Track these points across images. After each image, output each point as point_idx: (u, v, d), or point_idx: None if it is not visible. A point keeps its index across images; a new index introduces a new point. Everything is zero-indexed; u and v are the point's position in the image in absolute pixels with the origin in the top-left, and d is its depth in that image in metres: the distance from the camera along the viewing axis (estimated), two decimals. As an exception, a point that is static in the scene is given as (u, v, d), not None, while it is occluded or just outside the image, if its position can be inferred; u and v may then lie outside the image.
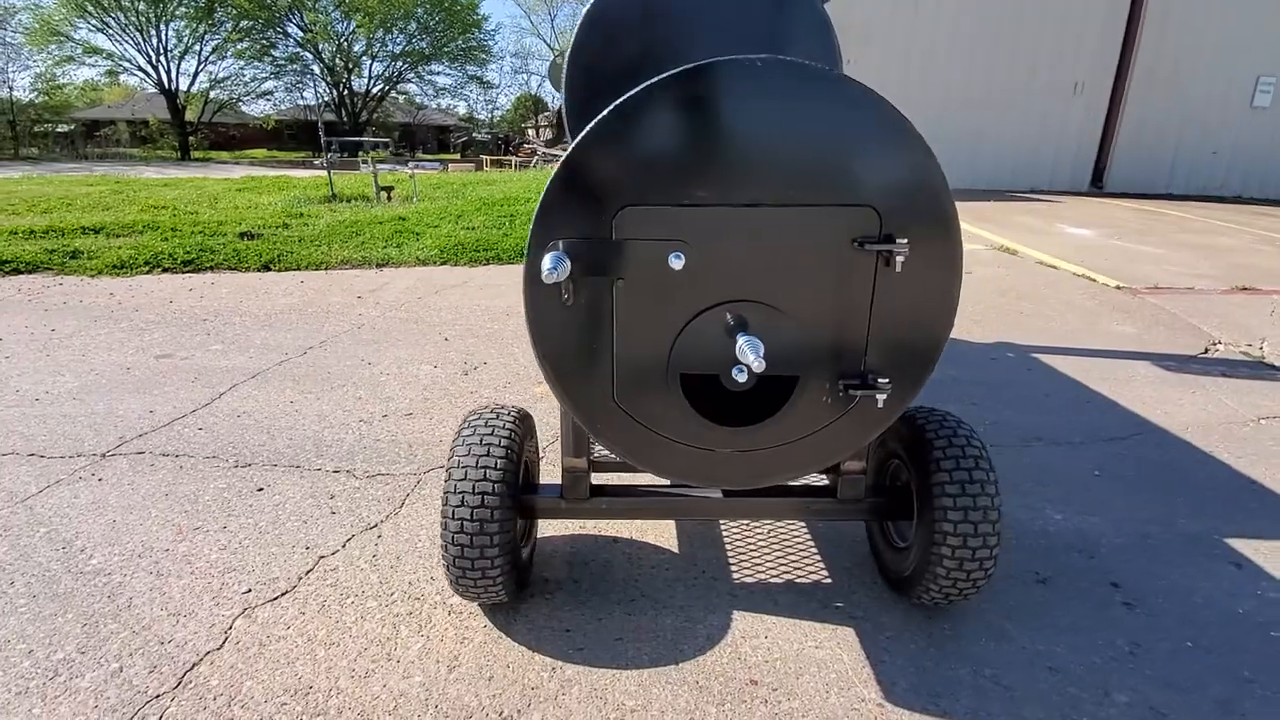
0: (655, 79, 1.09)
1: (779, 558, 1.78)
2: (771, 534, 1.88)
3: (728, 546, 1.83)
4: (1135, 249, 6.35)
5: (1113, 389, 2.99)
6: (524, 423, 1.58)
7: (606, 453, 1.78)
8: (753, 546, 1.83)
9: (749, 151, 1.11)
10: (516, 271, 5.06)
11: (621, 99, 1.09)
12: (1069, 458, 2.36)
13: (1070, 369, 3.24)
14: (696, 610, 1.58)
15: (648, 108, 1.09)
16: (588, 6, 1.79)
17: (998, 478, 1.42)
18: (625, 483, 1.92)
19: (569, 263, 1.09)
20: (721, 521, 1.91)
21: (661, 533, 1.87)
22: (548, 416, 2.50)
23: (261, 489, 2.06)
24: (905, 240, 1.12)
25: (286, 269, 5.09)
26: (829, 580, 1.69)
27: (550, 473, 2.14)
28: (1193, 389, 3.01)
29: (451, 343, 3.47)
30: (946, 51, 10.46)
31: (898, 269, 1.15)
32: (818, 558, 1.78)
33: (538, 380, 2.99)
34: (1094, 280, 5.04)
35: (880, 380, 1.20)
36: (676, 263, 1.12)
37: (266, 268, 5.08)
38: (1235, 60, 10.44)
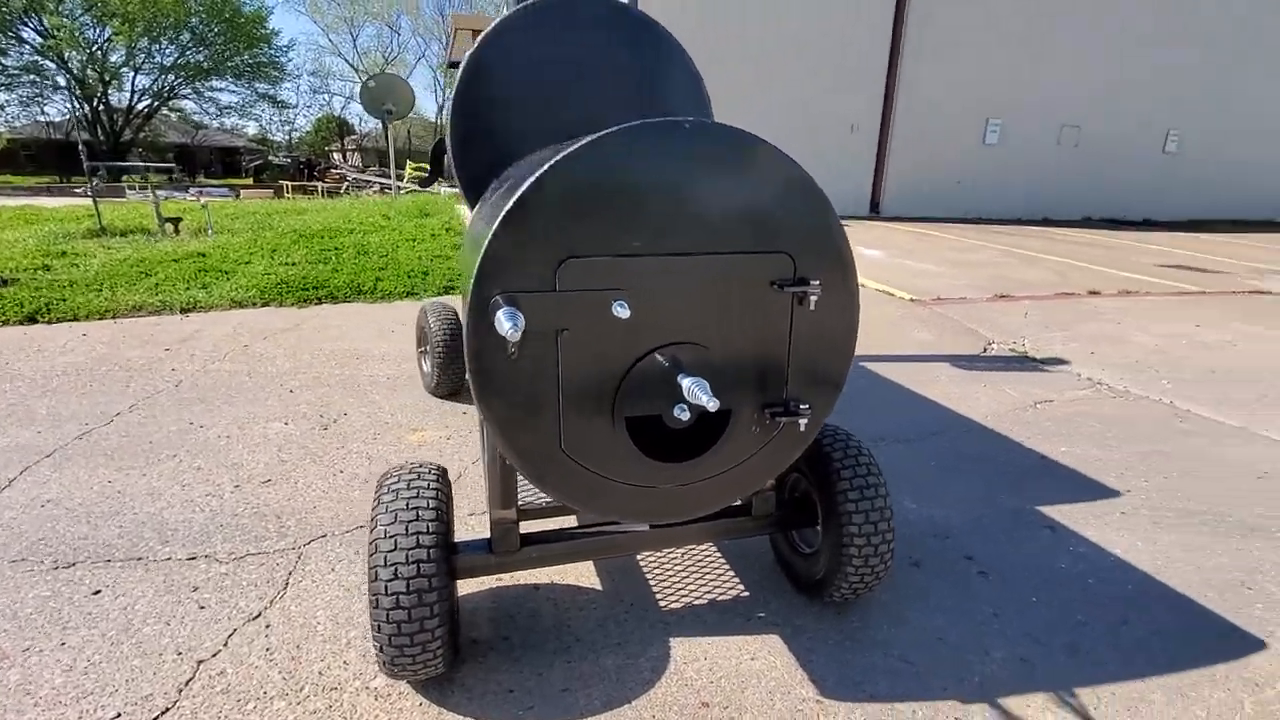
0: (592, 137, 1.12)
1: (696, 579, 1.86)
2: (685, 557, 1.96)
3: (647, 575, 1.87)
4: (916, 266, 7.48)
5: (925, 389, 3.51)
6: (445, 479, 1.51)
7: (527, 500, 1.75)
8: (670, 572, 1.89)
9: (681, 204, 1.18)
10: (357, 311, 4.74)
11: (560, 156, 1.11)
12: (909, 453, 2.73)
13: (891, 374, 3.74)
14: (633, 644, 1.60)
15: (587, 164, 1.12)
16: (471, 50, 1.77)
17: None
18: (544, 527, 1.89)
19: (523, 318, 1.09)
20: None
21: (581, 572, 1.87)
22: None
23: (99, 591, 1.72)
24: (817, 281, 1.27)
25: (60, 319, 4.27)
26: (746, 594, 1.80)
27: (465, 526, 2.04)
28: (983, 383, 3.62)
29: (298, 394, 3.15)
30: (732, 99, 11.59)
31: (811, 306, 1.29)
32: (730, 574, 1.89)
33: (412, 428, 2.82)
34: (892, 294, 5.85)
35: (802, 406, 1.32)
36: (622, 311, 1.16)
37: (32, 319, 4.22)
38: (971, 105, 12.76)
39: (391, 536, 1.31)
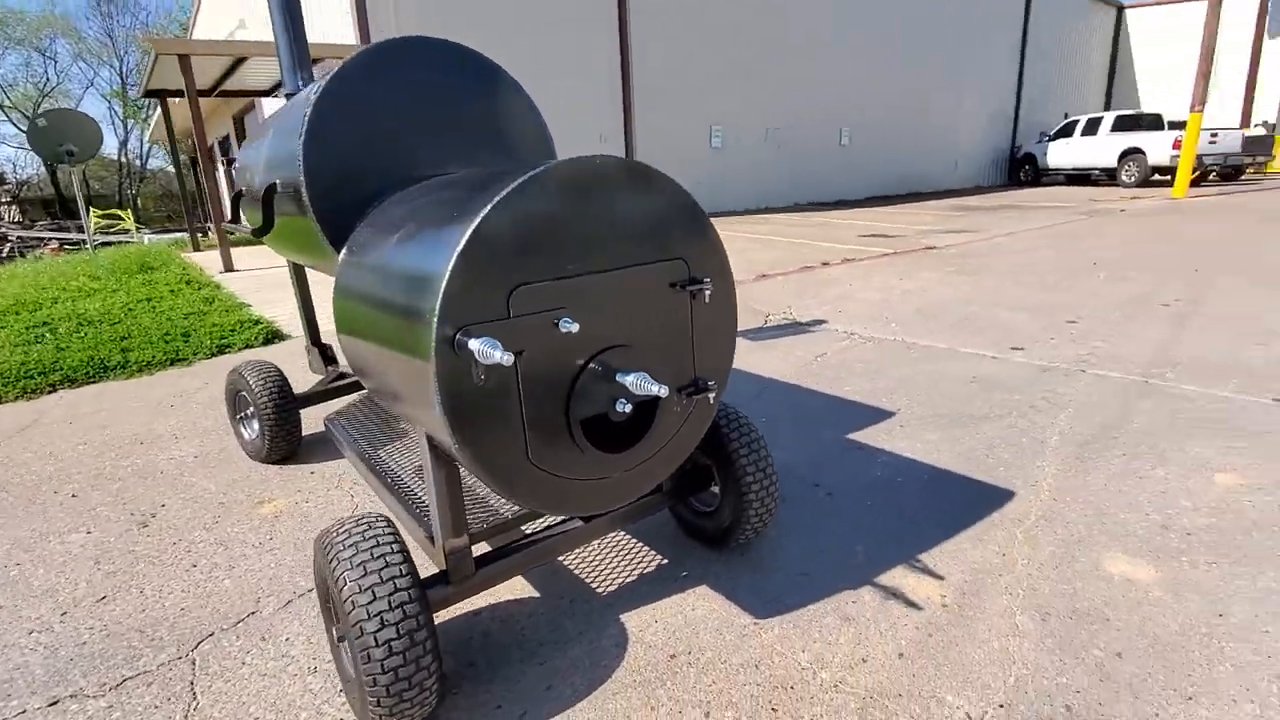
0: (527, 175, 1.26)
1: (618, 563, 2.05)
2: (600, 547, 2.13)
3: (574, 573, 2.01)
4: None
5: (736, 360, 4.06)
6: (391, 524, 1.50)
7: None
8: (592, 564, 2.05)
9: (600, 228, 1.37)
10: (111, 391, 3.98)
11: (505, 192, 1.23)
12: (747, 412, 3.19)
13: (702, 355, 4.25)
14: (591, 631, 1.74)
15: (528, 198, 1.26)
16: (318, 94, 1.74)
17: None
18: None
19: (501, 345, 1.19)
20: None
21: (513, 588, 1.94)
22: (307, 528, 2.22)
23: (-63, 779, 1.37)
24: (707, 278, 1.54)
25: None
26: (665, 561, 2.04)
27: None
28: (773, 350, 4.30)
29: (85, 496, 2.65)
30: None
31: (705, 300, 1.56)
32: (645, 550, 2.11)
33: (257, 502, 2.56)
34: (675, 287, 6.50)
35: (709, 383, 1.59)
36: (570, 326, 1.31)
37: None
38: (698, 114, 14.41)
39: (368, 588, 1.30)
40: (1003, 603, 1.78)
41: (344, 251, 1.76)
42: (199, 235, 11.47)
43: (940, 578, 1.90)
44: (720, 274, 1.59)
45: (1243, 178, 18.99)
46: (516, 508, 1.80)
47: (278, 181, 1.99)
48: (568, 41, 12.51)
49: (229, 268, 8.50)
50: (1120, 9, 26.45)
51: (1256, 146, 17.91)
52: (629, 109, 13.49)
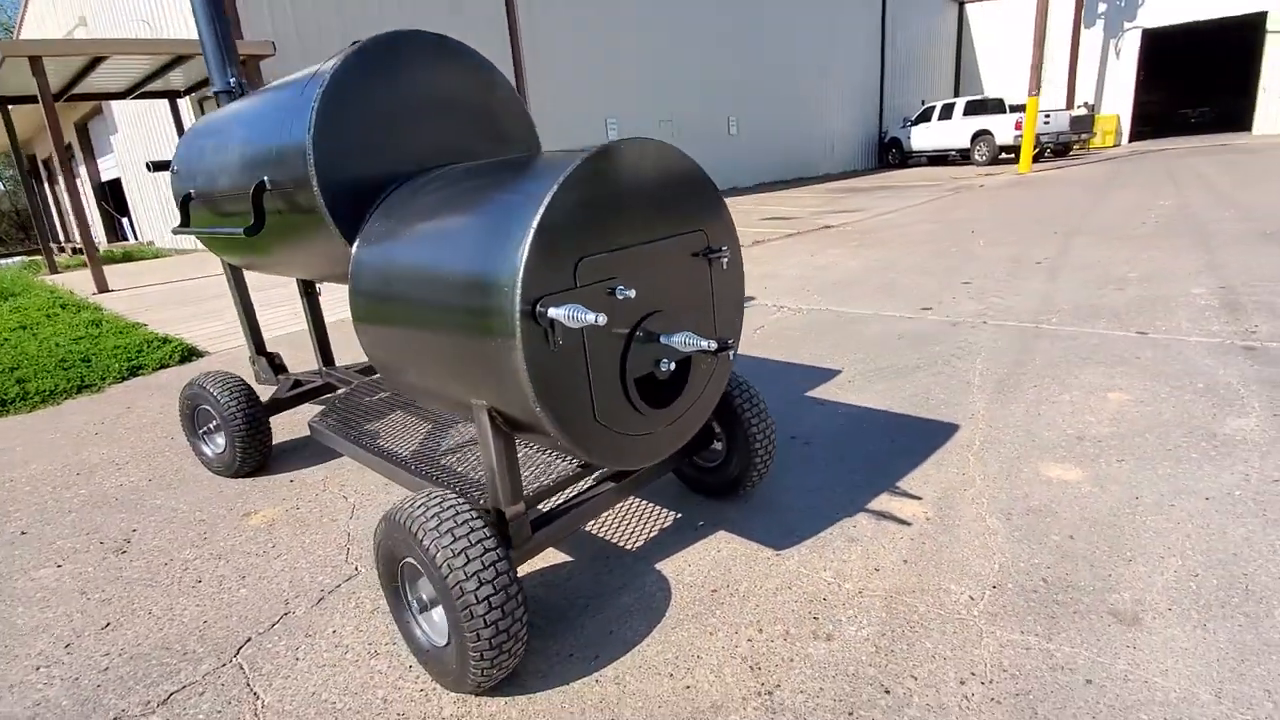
0: (590, 152, 1.37)
1: (638, 524, 2.19)
2: (617, 512, 2.27)
3: (601, 537, 2.14)
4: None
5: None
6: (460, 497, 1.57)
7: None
8: (615, 528, 2.18)
9: (643, 203, 1.51)
10: (15, 427, 3.59)
11: (566, 174, 1.34)
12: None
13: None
14: (634, 581, 1.89)
15: (587, 178, 1.38)
16: (323, 88, 1.74)
17: (758, 390, 2.18)
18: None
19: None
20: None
21: (546, 558, 2.04)
22: (311, 531, 2.20)
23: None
24: (724, 247, 1.72)
25: None
26: (679, 515, 2.21)
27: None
28: (714, 326, 4.55)
29: (40, 530, 2.45)
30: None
31: (723, 267, 1.74)
32: (655, 508, 2.27)
33: (242, 514, 2.47)
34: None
35: (730, 342, 1.77)
36: (628, 293, 1.45)
37: None
38: (594, 107, 14.56)
39: (461, 552, 1.38)
40: (973, 510, 2.09)
41: (360, 244, 1.78)
42: (54, 254, 10.27)
43: (918, 498, 2.19)
44: (732, 243, 1.77)
45: (1071, 153, 21.56)
46: (557, 475, 1.90)
47: (266, 179, 1.96)
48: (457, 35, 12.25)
49: (103, 288, 7.73)
50: (961, 4, 29.15)
51: (1081, 125, 20.43)
52: (526, 98, 13.44)
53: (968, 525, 2.02)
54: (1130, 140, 26.36)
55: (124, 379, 4.31)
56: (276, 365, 3.27)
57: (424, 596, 1.56)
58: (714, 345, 1.52)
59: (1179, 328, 3.67)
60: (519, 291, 1.30)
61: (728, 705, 1.45)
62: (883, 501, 2.19)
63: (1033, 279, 5.07)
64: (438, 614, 1.56)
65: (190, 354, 4.68)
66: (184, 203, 2.55)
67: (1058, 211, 8.57)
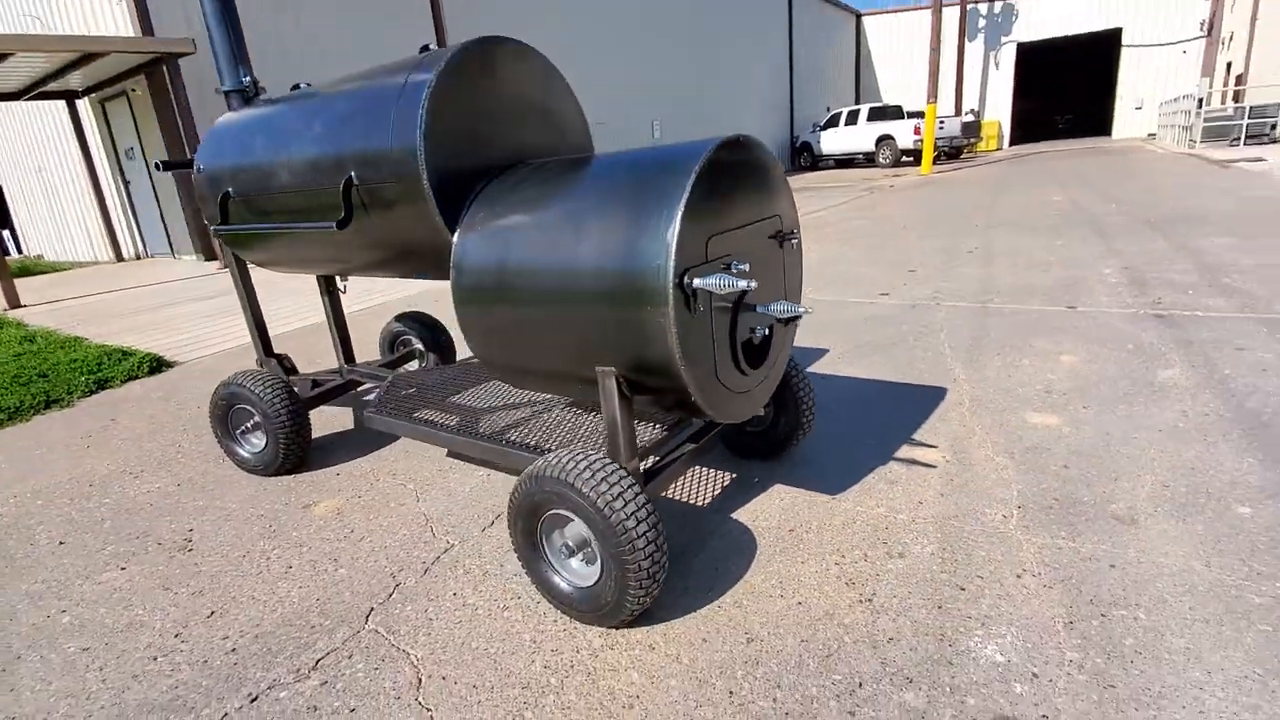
0: (715, 144, 1.60)
1: (699, 488, 2.42)
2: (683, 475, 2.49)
3: (675, 496, 2.35)
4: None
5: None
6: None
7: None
8: (679, 493, 2.41)
9: (746, 190, 1.75)
10: (3, 440, 3.39)
11: (702, 162, 1.56)
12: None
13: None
14: (717, 530, 2.12)
15: (716, 166, 1.60)
16: (429, 91, 1.87)
17: (798, 359, 2.47)
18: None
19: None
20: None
21: (626, 515, 2.24)
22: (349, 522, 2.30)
23: (215, 765, 1.38)
24: (795, 231, 1.99)
25: None
26: (733, 475, 2.46)
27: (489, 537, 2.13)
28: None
29: (78, 540, 2.39)
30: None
31: (793, 248, 2.01)
32: (711, 472, 2.51)
33: (303, 506, 2.51)
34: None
35: (800, 309, 2.04)
36: (743, 267, 1.68)
37: None
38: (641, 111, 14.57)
39: (619, 496, 1.57)
40: (981, 453, 2.47)
41: (463, 233, 1.92)
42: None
43: (934, 446, 2.55)
44: (797, 228, 2.04)
45: (962, 156, 23.48)
46: (647, 439, 2.11)
47: (354, 175, 2.06)
48: (389, 37, 12.00)
49: (14, 303, 7.12)
50: (858, 16, 31.06)
51: (970, 130, 22.34)
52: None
53: (981, 464, 2.39)
54: (1011, 144, 28.92)
55: (92, 393, 4.09)
56: (287, 367, 3.27)
57: (569, 543, 1.73)
58: (806, 311, 1.78)
59: (1100, 302, 4.28)
60: (672, 264, 1.51)
61: (837, 612, 1.71)
62: (906, 450, 2.53)
63: (968, 265, 5.68)
64: (577, 560, 1.74)
65: (159, 365, 4.48)
66: (223, 200, 2.56)
67: (968, 207, 9.46)
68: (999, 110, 28.95)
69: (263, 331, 3.24)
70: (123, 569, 2.22)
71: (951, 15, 25.75)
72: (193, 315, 6.09)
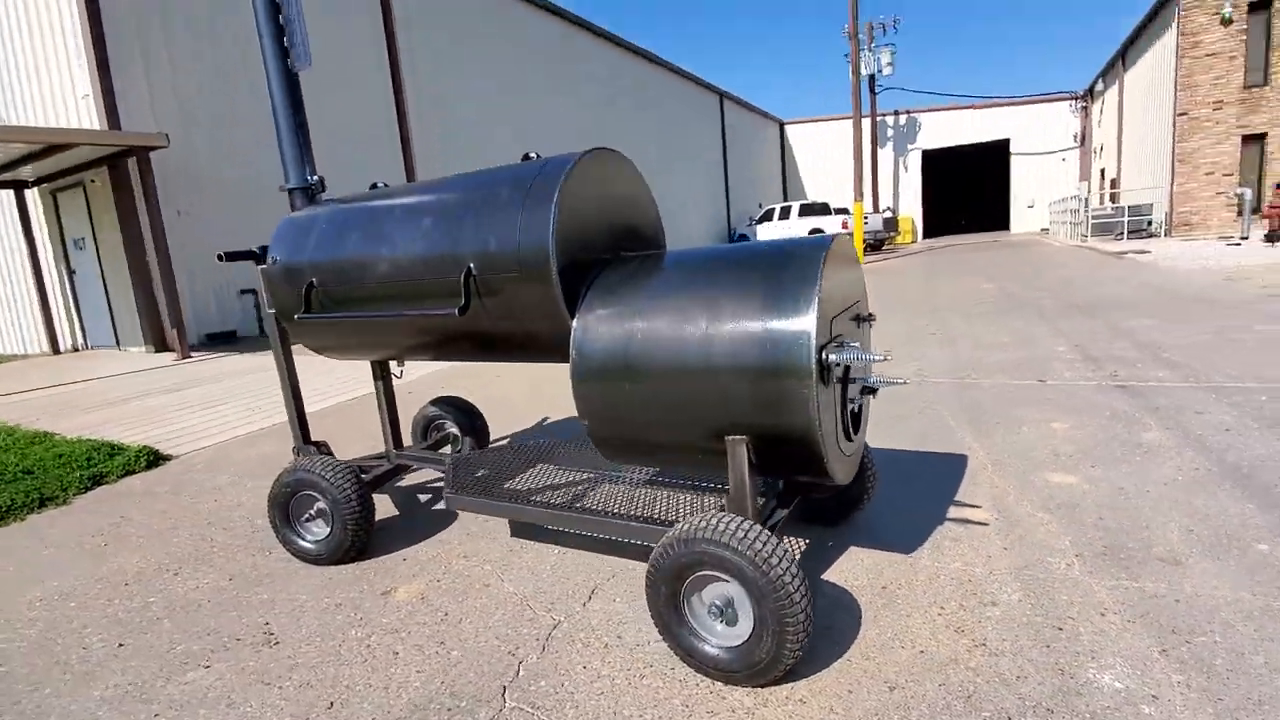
0: (831, 239, 1.87)
1: (775, 550, 2.55)
2: (749, 545, 2.61)
3: (752, 563, 2.47)
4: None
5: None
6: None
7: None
8: (757, 555, 2.53)
9: (845, 277, 2.02)
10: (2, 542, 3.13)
11: (826, 253, 1.82)
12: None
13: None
14: (816, 588, 2.25)
15: (831, 257, 1.87)
16: (559, 194, 2.09)
17: (856, 429, 2.71)
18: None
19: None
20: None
21: (721, 582, 2.33)
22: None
23: None
24: (872, 314, 2.26)
25: None
26: (806, 540, 2.61)
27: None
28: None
29: (136, 642, 2.27)
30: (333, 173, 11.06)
31: (869, 328, 2.28)
32: (786, 537, 2.65)
33: (381, 591, 2.48)
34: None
35: (899, 379, 2.29)
36: (854, 344, 1.92)
37: None
38: (465, 161, 15.07)
39: (772, 553, 1.71)
40: (1024, 510, 2.72)
41: (583, 317, 2.10)
42: None
43: (978, 506, 2.79)
44: (869, 311, 2.33)
45: (884, 248, 25.54)
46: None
47: (472, 265, 2.22)
48: (352, 109, 12.37)
49: (-47, 400, 6.60)
50: (781, 124, 34.11)
51: (890, 225, 24.50)
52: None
53: (1025, 520, 2.64)
54: (924, 237, 31.72)
55: (88, 489, 3.87)
56: (327, 454, 3.25)
57: (716, 603, 1.83)
58: (904, 381, 2.03)
59: (1065, 376, 4.79)
60: (814, 343, 1.73)
61: (959, 657, 1.86)
62: (955, 511, 2.76)
63: (934, 346, 6.21)
64: (719, 622, 1.83)
65: (156, 459, 4.29)
66: (307, 291, 2.65)
67: (910, 295, 10.31)
68: (911, 208, 31.86)
69: (303, 419, 3.24)
70: (207, 667, 2.12)
71: (865, 124, 28.64)
72: (168, 407, 5.85)
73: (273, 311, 3.01)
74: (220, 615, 2.42)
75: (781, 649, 1.70)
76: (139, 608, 2.52)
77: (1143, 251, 14.30)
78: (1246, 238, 14.58)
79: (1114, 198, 23.38)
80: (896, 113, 31.56)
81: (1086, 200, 20.83)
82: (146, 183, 8.39)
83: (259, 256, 3.05)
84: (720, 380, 1.86)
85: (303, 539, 2.77)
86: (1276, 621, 1.89)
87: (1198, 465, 3.02)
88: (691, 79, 26.84)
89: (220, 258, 3.02)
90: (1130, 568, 2.24)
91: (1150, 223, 19.23)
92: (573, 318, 2.13)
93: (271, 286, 2.83)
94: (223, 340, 10.19)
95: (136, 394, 6.51)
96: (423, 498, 3.44)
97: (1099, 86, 27.53)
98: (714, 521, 1.79)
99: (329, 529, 2.71)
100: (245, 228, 10.75)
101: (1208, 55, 17.50)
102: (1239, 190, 15.06)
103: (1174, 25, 17.96)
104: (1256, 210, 16.83)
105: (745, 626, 1.78)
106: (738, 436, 1.90)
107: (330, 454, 3.26)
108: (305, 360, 8.12)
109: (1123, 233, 18.95)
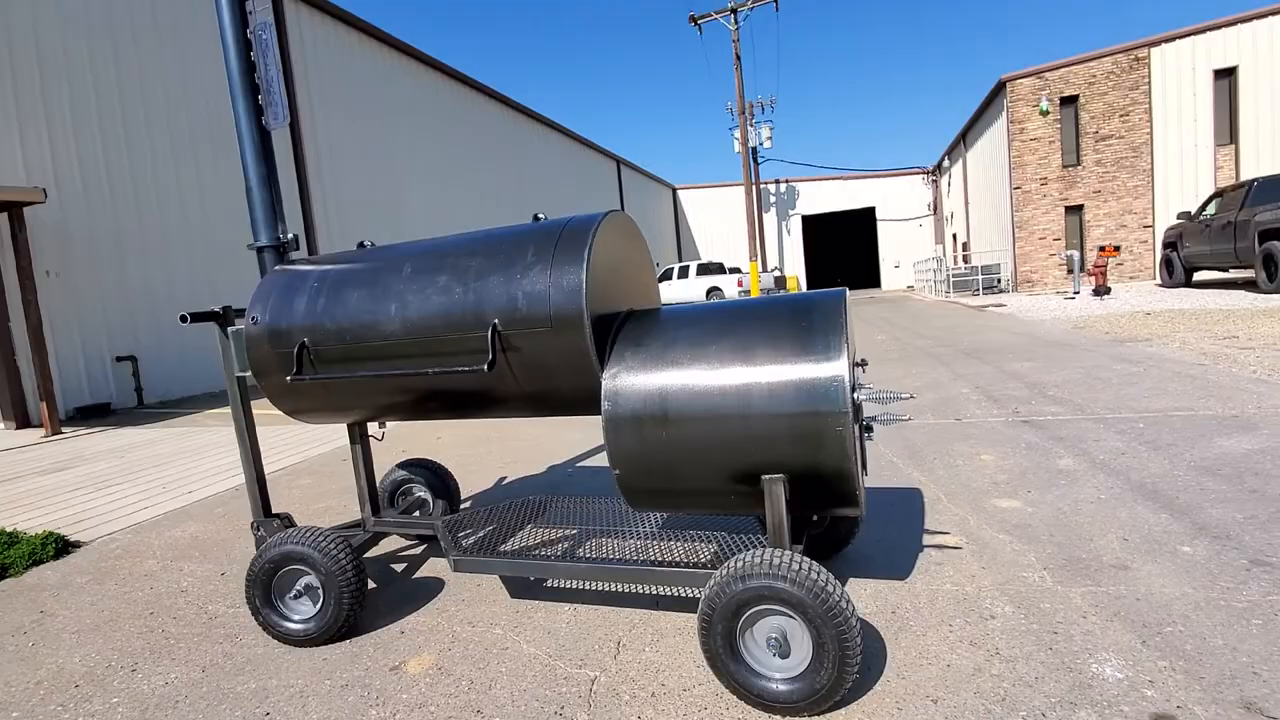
0: (842, 294, 2.09)
1: (781, 587, 2.67)
2: (755, 585, 2.71)
3: (764, 601, 2.57)
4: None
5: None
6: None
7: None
8: (766, 594, 2.63)
9: (848, 327, 2.25)
10: None
11: (845, 302, 2.04)
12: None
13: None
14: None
15: (846, 311, 2.09)
16: (589, 251, 2.19)
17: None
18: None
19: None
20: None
21: (743, 622, 2.41)
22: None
23: None
24: (864, 359, 2.51)
25: None
26: (807, 576, 2.74)
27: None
28: (651, 449, 5.16)
29: (125, 750, 2.00)
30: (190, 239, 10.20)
31: (862, 373, 2.52)
32: (783, 576, 2.77)
33: (390, 666, 2.33)
34: (488, 421, 6.78)
35: (905, 415, 2.51)
36: (866, 386, 2.14)
37: None
38: (359, 233, 14.68)
39: (827, 582, 1.83)
40: (987, 534, 3.03)
41: (618, 367, 2.19)
42: None
43: (947, 533, 3.07)
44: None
45: (776, 304, 27.27)
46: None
47: (497, 322, 2.26)
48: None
49: None
50: (674, 190, 36.00)
51: (780, 283, 26.22)
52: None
53: (991, 542, 2.93)
54: (809, 294, 34.16)
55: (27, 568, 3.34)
56: (290, 527, 3.06)
57: (774, 637, 1.91)
58: (908, 418, 2.27)
59: (975, 414, 5.35)
60: (848, 384, 1.92)
61: (982, 667, 2.04)
62: (929, 539, 3.01)
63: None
64: (777, 656, 1.91)
65: (65, 546, 3.77)
66: (300, 352, 2.55)
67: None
68: (795, 267, 34.30)
69: (264, 489, 3.05)
70: (212, 768, 1.91)
71: (751, 191, 30.84)
72: (55, 489, 5.16)
73: (244, 375, 2.85)
74: (209, 711, 2.18)
75: (843, 674, 1.81)
76: (103, 711, 2.21)
77: (1000, 305, 16.22)
78: (1079, 292, 16.93)
79: (966, 259, 26.44)
80: (778, 181, 34.34)
81: (942, 261, 23.43)
82: (18, 241, 7.54)
83: (221, 317, 2.91)
84: (758, 423, 2.01)
85: (289, 619, 2.56)
86: (1219, 610, 2.24)
87: (1111, 485, 3.50)
88: (592, 146, 27.93)
89: (183, 319, 2.83)
90: (1091, 575, 2.55)
91: (1000, 280, 21.86)
92: (602, 370, 2.22)
93: (250, 348, 2.69)
94: (95, 414, 9.11)
95: (9, 476, 5.68)
96: (397, 567, 3.27)
97: (945, 163, 31.43)
98: (767, 556, 1.90)
99: (318, 606, 2.53)
100: (122, 289, 9.85)
101: (1032, 139, 20.56)
102: (1068, 253, 17.53)
103: (1004, 114, 21.02)
104: (1083, 269, 19.67)
105: (800, 656, 1.88)
106: (775, 475, 2.04)
107: (292, 523, 3.06)
108: (209, 431, 7.49)
109: (978, 289, 21.41)
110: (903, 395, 2.07)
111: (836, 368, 1.95)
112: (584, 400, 2.32)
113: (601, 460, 4.95)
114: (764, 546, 2.07)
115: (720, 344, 2.13)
